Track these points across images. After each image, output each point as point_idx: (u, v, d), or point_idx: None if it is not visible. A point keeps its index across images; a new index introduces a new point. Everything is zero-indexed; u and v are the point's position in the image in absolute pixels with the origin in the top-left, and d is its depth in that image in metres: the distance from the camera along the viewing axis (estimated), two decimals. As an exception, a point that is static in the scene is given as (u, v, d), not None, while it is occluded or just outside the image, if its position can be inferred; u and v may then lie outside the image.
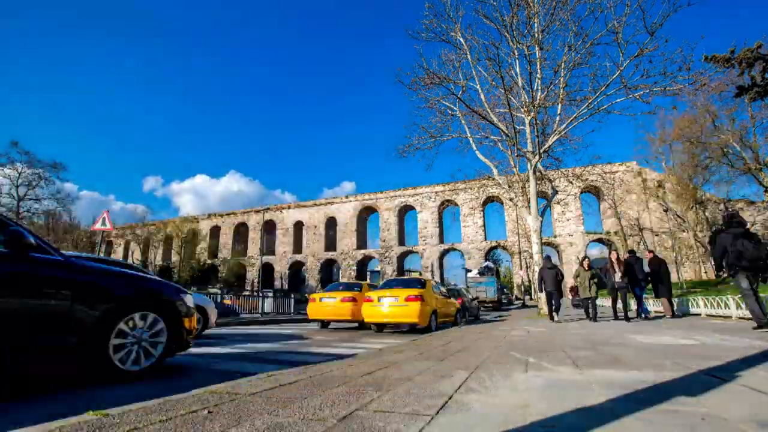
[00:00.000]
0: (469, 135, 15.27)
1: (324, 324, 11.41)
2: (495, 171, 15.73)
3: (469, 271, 34.32)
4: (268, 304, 18.82)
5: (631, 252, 10.98)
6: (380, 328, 10.08)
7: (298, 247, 58.42)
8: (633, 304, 11.68)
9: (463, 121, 15.19)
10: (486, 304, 26.17)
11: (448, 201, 50.37)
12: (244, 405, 2.16)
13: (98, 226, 11.20)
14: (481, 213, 49.08)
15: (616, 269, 10.04)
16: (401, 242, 53.51)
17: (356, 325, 11.57)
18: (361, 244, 55.93)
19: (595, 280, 10.33)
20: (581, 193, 42.11)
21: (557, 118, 14.03)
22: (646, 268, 10.49)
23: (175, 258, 57.31)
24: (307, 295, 28.24)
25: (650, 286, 10.62)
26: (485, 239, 48.24)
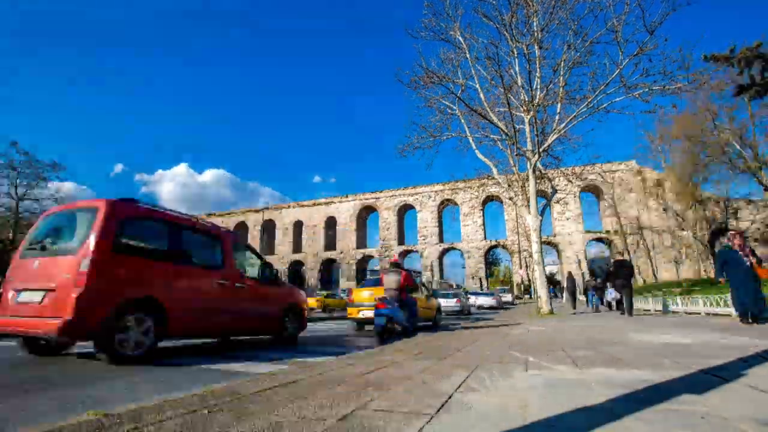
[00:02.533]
0: (468, 134, 15.24)
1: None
2: (494, 170, 15.70)
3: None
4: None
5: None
6: None
7: (297, 247, 58.38)
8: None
9: (462, 121, 15.16)
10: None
11: (447, 200, 50.35)
12: (244, 404, 2.15)
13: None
14: (481, 212, 49.07)
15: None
16: (401, 242, 53.50)
17: None
18: (361, 243, 55.91)
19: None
20: (581, 192, 42.11)
21: (557, 117, 14.01)
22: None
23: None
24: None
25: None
26: (485, 238, 48.23)
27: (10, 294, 4.23)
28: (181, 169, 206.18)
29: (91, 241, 3.95)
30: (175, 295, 4.60)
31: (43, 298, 3.90)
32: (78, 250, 3.96)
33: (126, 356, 4.01)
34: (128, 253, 4.32)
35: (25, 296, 4.08)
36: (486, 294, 27.02)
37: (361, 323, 9.77)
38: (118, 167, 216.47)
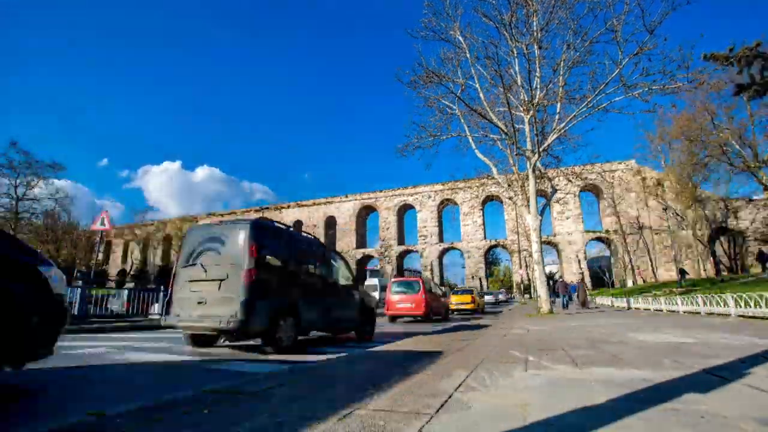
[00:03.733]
0: (468, 134, 15.23)
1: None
2: (494, 170, 15.70)
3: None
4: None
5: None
6: None
7: (297, 247, 58.26)
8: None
9: (462, 120, 15.15)
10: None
11: (447, 200, 50.30)
12: (244, 404, 2.15)
13: (97, 226, 11.18)
14: (481, 212, 49.03)
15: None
16: (401, 241, 53.46)
17: None
18: (361, 243, 55.88)
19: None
20: (580, 191, 42.08)
21: (556, 117, 14.01)
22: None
23: (174, 258, 57.23)
24: None
25: None
26: (485, 238, 48.21)
27: (393, 306, 13.54)
28: (173, 165, 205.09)
29: (422, 288, 13.43)
30: (434, 302, 14.00)
31: (412, 304, 13.23)
32: (419, 292, 13.36)
33: (435, 320, 14.00)
34: (428, 292, 13.71)
35: (402, 305, 13.39)
36: (489, 293, 36.02)
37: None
38: (104, 161, 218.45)
